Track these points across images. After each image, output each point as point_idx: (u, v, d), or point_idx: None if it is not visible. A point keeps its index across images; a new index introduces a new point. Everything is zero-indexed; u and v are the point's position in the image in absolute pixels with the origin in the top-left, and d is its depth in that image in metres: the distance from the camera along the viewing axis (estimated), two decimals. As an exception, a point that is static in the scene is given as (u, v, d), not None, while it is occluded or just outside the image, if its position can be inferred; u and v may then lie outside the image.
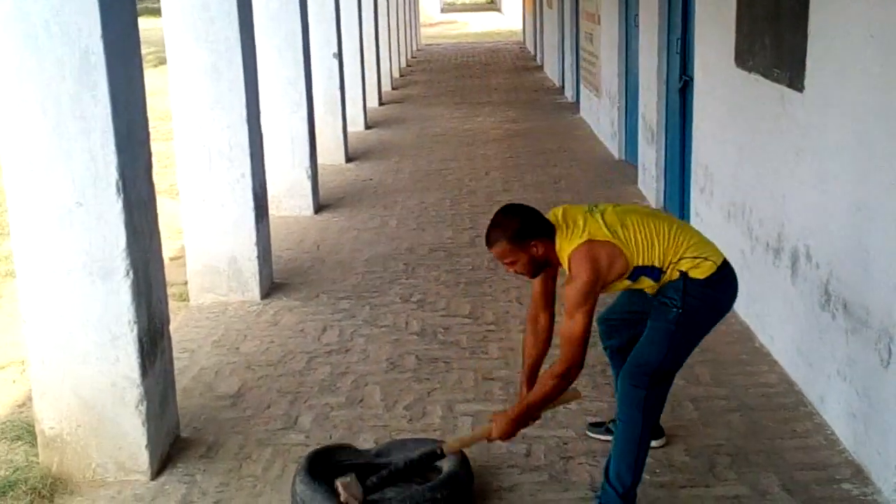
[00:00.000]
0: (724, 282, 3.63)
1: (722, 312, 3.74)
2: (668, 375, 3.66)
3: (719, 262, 3.61)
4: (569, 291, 3.49)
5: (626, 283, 3.61)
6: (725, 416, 4.55)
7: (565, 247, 3.52)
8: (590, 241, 3.49)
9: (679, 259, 3.54)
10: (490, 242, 3.61)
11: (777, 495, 3.85)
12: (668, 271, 3.55)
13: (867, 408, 3.99)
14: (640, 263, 3.53)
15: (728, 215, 6.02)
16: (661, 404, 3.70)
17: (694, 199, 6.98)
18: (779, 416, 4.53)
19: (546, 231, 3.57)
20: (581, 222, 3.55)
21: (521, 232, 3.55)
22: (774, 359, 5.15)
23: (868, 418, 3.98)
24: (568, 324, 3.48)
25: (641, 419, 3.56)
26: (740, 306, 5.77)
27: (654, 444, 4.21)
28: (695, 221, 6.91)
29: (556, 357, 3.60)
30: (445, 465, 3.80)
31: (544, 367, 3.83)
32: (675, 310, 3.54)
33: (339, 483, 3.57)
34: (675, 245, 3.56)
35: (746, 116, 5.74)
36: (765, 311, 5.35)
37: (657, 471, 4.06)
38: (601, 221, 3.54)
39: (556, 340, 3.72)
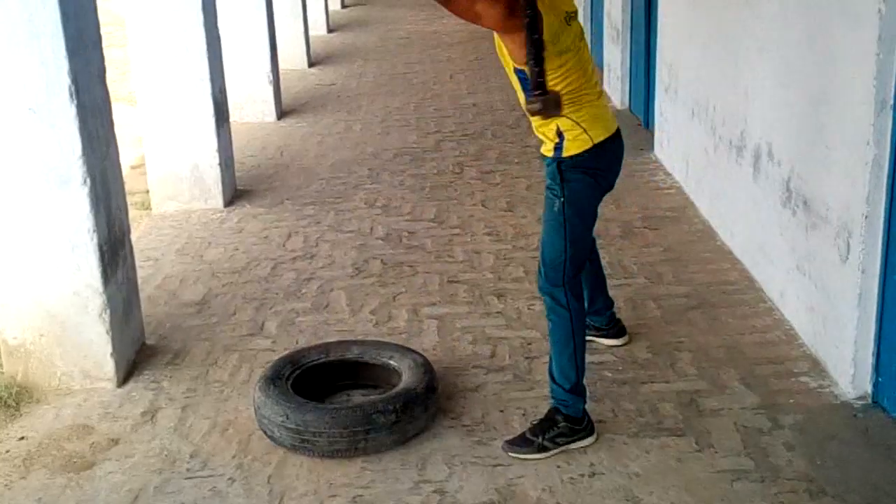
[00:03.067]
0: (601, 159, 3.55)
1: (607, 184, 3.66)
2: (579, 262, 3.65)
3: (598, 140, 3.50)
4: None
5: (511, 71, 3.48)
6: (686, 314, 4.61)
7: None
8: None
9: (564, 104, 3.41)
10: None
11: (736, 389, 3.93)
12: (546, 100, 3.38)
13: (825, 303, 4.05)
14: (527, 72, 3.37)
15: (692, 114, 6.00)
16: (580, 286, 3.70)
17: (659, 99, 6.94)
18: (739, 313, 4.59)
19: None
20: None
21: None
22: (736, 257, 5.20)
23: (826, 313, 4.04)
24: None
25: (568, 312, 3.58)
26: (703, 205, 5.82)
27: (616, 342, 4.29)
28: (659, 121, 6.91)
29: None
30: (404, 378, 3.79)
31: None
32: (557, 200, 3.53)
33: None
34: (571, 97, 3.43)
35: (711, 13, 5.68)
36: (727, 210, 5.39)
37: (619, 368, 4.12)
38: (562, 21, 3.37)
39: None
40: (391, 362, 3.95)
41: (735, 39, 5.18)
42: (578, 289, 3.67)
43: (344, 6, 15.93)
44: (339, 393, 4.00)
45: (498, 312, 4.69)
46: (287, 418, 3.54)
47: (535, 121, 3.54)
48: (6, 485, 3.46)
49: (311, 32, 11.65)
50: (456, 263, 5.33)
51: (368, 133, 8.25)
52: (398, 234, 5.82)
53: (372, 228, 5.93)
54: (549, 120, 3.48)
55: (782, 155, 4.51)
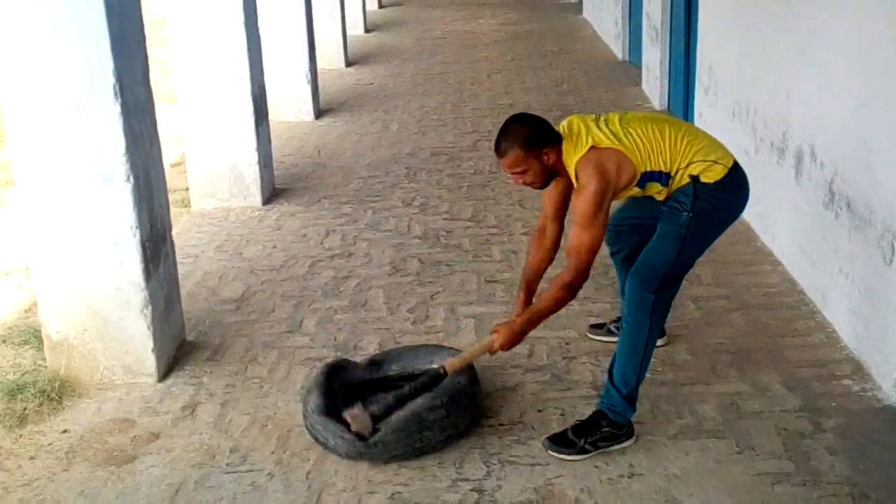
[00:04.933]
0: (735, 184, 3.56)
1: (734, 215, 3.68)
2: (678, 279, 3.63)
3: (730, 165, 3.53)
4: (578, 202, 3.43)
5: (636, 190, 3.55)
6: (727, 316, 4.57)
7: (572, 155, 3.44)
8: (595, 149, 3.42)
9: (688, 164, 3.47)
10: (501, 151, 3.48)
11: (777, 391, 3.89)
12: (678, 176, 3.49)
13: (868, 305, 4.01)
14: (648, 169, 3.47)
15: (732, 115, 5.96)
16: (669, 307, 3.69)
17: (698, 100, 6.90)
18: (780, 315, 4.56)
19: (556, 139, 3.50)
20: (585, 131, 3.47)
21: (533, 139, 3.45)
22: (777, 258, 5.16)
23: (869, 316, 4.00)
24: (578, 234, 3.43)
25: (649, 322, 3.54)
26: (743, 207, 5.77)
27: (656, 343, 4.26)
28: (699, 122, 6.85)
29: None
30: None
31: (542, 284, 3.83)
32: (685, 213, 3.49)
33: (347, 415, 3.52)
34: (684, 149, 3.48)
35: (751, 14, 5.64)
36: (767, 211, 5.34)
37: (659, 369, 4.10)
38: (606, 130, 3.47)
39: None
40: (433, 366, 3.91)
41: (776, 40, 5.14)
42: (668, 303, 3.64)
43: (381, 6, 15.98)
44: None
45: (536, 312, 4.68)
46: (347, 431, 3.50)
47: (667, 192, 3.55)
48: (49, 477, 3.50)
49: (348, 32, 11.69)
50: (493, 263, 5.33)
51: (405, 132, 8.26)
52: (435, 233, 5.83)
53: (409, 227, 5.94)
54: (679, 176, 3.48)
55: (825, 157, 4.46)
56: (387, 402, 3.61)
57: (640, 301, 3.56)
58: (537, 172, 3.51)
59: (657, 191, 3.56)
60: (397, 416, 3.53)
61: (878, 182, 3.90)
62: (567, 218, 3.71)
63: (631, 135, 3.47)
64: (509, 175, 3.57)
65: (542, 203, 3.84)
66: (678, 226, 3.52)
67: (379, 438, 3.47)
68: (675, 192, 3.54)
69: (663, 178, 3.50)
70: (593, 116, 3.59)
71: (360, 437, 3.47)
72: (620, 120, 3.54)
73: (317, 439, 3.59)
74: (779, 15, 5.09)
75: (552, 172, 3.54)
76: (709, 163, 3.49)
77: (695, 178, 3.48)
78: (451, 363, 3.69)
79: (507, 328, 3.62)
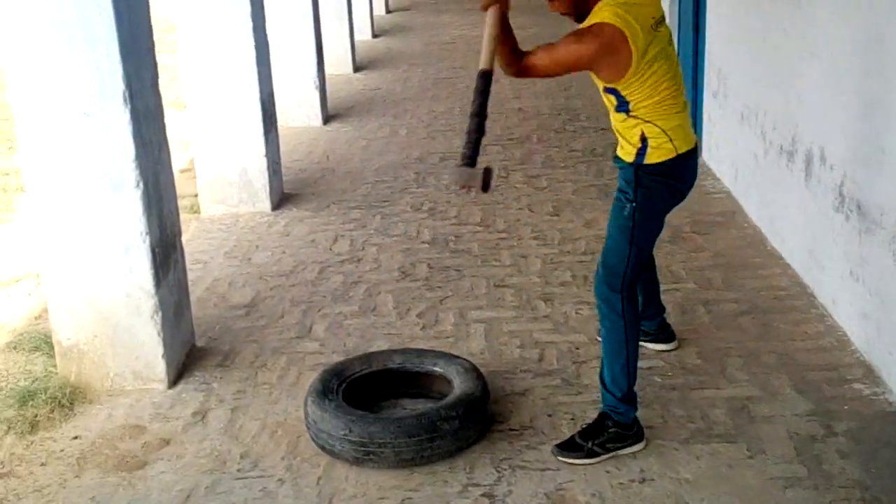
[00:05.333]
0: (680, 169, 3.51)
1: (680, 196, 3.63)
2: (638, 270, 3.61)
3: (681, 151, 3.47)
4: (562, 41, 3.36)
5: (601, 88, 3.48)
6: (737, 319, 4.56)
7: (600, 14, 3.32)
8: (620, 31, 3.25)
9: (649, 121, 3.40)
10: None
11: (788, 395, 3.88)
12: (633, 122, 3.41)
13: (879, 308, 3.99)
14: (620, 90, 3.38)
15: (742, 118, 5.95)
16: (636, 297, 3.68)
17: (707, 104, 6.89)
18: (790, 319, 4.54)
19: None
20: (637, 10, 3.31)
21: None
22: (786, 262, 5.14)
23: (880, 319, 3.99)
24: (538, 55, 3.42)
25: (623, 321, 3.54)
26: (752, 210, 5.76)
27: (665, 347, 4.26)
28: (707, 126, 6.85)
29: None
30: (457, 384, 3.76)
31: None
32: (629, 204, 3.48)
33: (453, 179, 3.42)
34: (659, 106, 3.39)
35: (760, 16, 5.63)
36: (777, 215, 5.33)
37: (669, 373, 4.09)
38: (646, 30, 3.31)
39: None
40: (436, 369, 3.94)
41: (785, 43, 5.13)
42: (634, 297, 3.64)
43: (389, 11, 15.99)
44: (381, 404, 3.95)
45: (545, 317, 4.68)
46: (350, 431, 3.50)
47: (617, 121, 3.50)
48: (60, 483, 3.51)
49: (356, 37, 11.71)
50: (503, 267, 5.33)
51: (414, 137, 8.27)
52: (444, 237, 5.82)
53: (418, 232, 5.94)
54: (635, 123, 3.43)
55: (835, 159, 4.45)
56: (469, 139, 3.44)
57: (608, 303, 3.56)
58: (568, 1, 3.45)
59: (610, 102, 3.47)
60: (410, 422, 3.52)
61: (888, 185, 3.89)
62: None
63: (651, 63, 3.33)
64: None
65: None
66: (625, 219, 3.50)
67: (389, 441, 3.46)
68: (620, 173, 3.53)
69: (621, 102, 3.41)
70: (654, 19, 3.40)
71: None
72: (664, 44, 3.39)
73: (323, 448, 3.59)
74: (788, 17, 5.08)
75: (583, 6, 3.42)
76: (665, 136, 3.42)
77: (640, 152, 3.43)
78: (483, 59, 3.47)
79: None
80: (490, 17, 3.46)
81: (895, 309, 3.84)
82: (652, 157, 3.46)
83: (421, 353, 4.10)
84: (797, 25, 4.94)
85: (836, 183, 4.41)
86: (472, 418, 3.60)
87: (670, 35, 3.50)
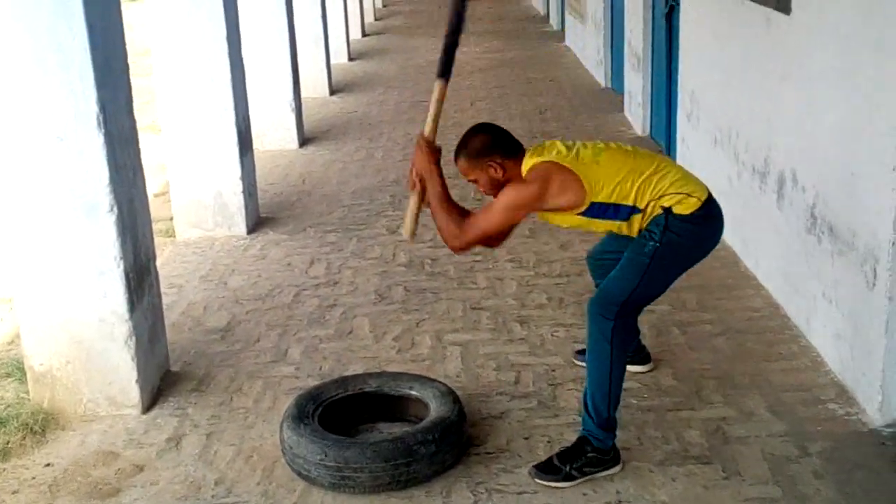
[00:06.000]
0: (708, 218, 3.54)
1: (705, 249, 3.65)
2: (637, 308, 3.61)
3: (704, 199, 3.50)
4: (507, 190, 3.49)
5: (580, 219, 3.52)
6: (711, 341, 4.59)
7: (528, 164, 3.51)
8: (551, 163, 3.45)
9: (660, 196, 3.44)
10: (455, 159, 3.63)
11: (763, 416, 3.90)
12: (650, 208, 3.45)
13: (852, 329, 4.02)
14: (603, 201, 3.44)
15: (714, 141, 6.00)
16: (630, 333, 3.67)
17: (680, 126, 6.95)
18: (764, 339, 4.57)
19: (511, 151, 3.55)
20: (553, 149, 3.52)
21: (482, 151, 3.55)
22: (760, 283, 5.18)
23: (853, 340, 4.02)
24: (483, 215, 3.52)
25: (610, 350, 3.50)
26: (727, 231, 5.76)
27: (641, 369, 4.26)
28: (681, 148, 6.90)
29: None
30: (433, 408, 3.74)
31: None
32: (651, 243, 3.46)
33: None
34: (657, 182, 3.44)
35: (733, 41, 5.69)
36: (751, 236, 5.37)
37: (645, 395, 4.10)
38: (573, 152, 3.49)
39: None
40: (412, 392, 3.92)
41: (758, 67, 5.18)
42: (628, 328, 3.61)
43: (364, 35, 16.04)
44: (358, 428, 3.93)
45: (521, 339, 4.69)
46: (325, 456, 3.47)
47: (641, 223, 3.50)
48: (32, 511, 3.47)
49: (332, 61, 11.73)
50: (478, 290, 5.33)
51: (390, 160, 8.28)
52: (420, 260, 5.83)
53: (394, 255, 5.94)
54: (651, 209, 3.45)
55: (807, 181, 4.49)
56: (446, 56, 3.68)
57: (598, 327, 3.53)
58: (487, 183, 3.59)
59: (618, 225, 3.52)
60: (386, 447, 3.49)
61: (860, 207, 3.93)
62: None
63: (598, 163, 3.46)
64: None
65: None
66: (642, 255, 3.49)
67: (364, 465, 3.44)
68: (648, 222, 3.50)
69: (623, 211, 3.46)
70: (571, 142, 3.60)
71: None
72: (595, 148, 3.54)
73: (299, 473, 3.56)
74: (760, 40, 5.14)
75: (502, 183, 3.56)
76: (682, 195, 3.46)
77: (667, 210, 3.44)
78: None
79: (425, 151, 3.72)
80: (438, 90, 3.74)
81: (868, 330, 3.87)
82: (679, 210, 3.46)
83: (397, 376, 4.08)
84: (769, 49, 4.99)
85: (809, 205, 4.45)
86: (448, 442, 3.59)
87: (598, 143, 3.62)
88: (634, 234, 3.53)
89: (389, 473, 3.46)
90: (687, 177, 3.58)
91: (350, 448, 3.50)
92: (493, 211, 3.52)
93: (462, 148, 3.61)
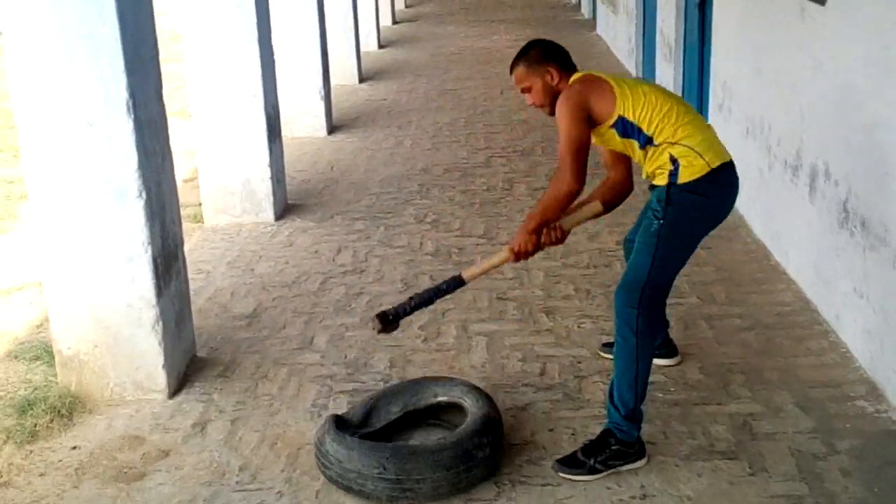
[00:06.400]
0: (716, 186, 3.49)
1: (716, 218, 3.61)
2: (659, 290, 3.56)
3: (714, 165, 3.46)
4: (559, 107, 3.57)
5: (617, 138, 3.58)
6: (740, 335, 4.54)
7: (574, 78, 3.65)
8: (580, 79, 3.62)
9: (675, 142, 3.45)
10: (511, 67, 3.74)
11: (791, 412, 3.86)
12: (660, 150, 3.47)
13: (883, 325, 3.97)
14: (629, 118, 3.50)
15: (746, 132, 5.94)
16: (657, 321, 3.62)
17: (712, 117, 6.88)
18: (793, 335, 4.52)
19: (566, 65, 3.69)
20: (598, 72, 3.67)
21: (539, 56, 3.68)
22: (790, 277, 5.13)
23: (884, 336, 3.97)
24: (562, 143, 3.53)
25: (635, 339, 3.48)
26: (756, 224, 5.75)
27: (668, 362, 4.23)
28: (712, 139, 6.82)
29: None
30: (471, 408, 3.61)
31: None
32: (656, 222, 3.46)
33: (373, 320, 3.76)
34: (680, 127, 3.46)
35: (766, 31, 5.63)
36: (781, 230, 5.31)
37: (671, 389, 4.07)
38: (616, 78, 3.63)
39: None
40: (453, 399, 3.77)
41: (791, 58, 5.12)
42: (653, 318, 3.56)
43: (395, 22, 16.02)
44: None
45: (547, 330, 4.67)
46: (384, 469, 3.33)
47: (647, 159, 3.57)
48: (58, 494, 3.49)
49: (362, 48, 11.72)
50: (505, 280, 5.31)
51: (418, 148, 8.27)
52: (447, 249, 5.81)
53: (421, 244, 5.93)
54: (662, 149, 3.49)
55: (839, 175, 4.44)
56: (404, 305, 3.77)
57: (623, 317, 3.52)
58: (540, 91, 3.68)
59: (637, 153, 3.59)
60: (447, 454, 3.36)
61: (893, 201, 3.87)
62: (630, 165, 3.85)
63: (633, 86, 3.57)
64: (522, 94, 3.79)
65: (602, 161, 3.92)
66: (650, 235, 3.49)
67: (428, 476, 3.32)
68: (652, 194, 3.54)
69: (642, 136, 3.51)
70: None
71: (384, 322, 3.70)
72: (642, 80, 3.59)
73: (349, 489, 3.40)
74: (793, 31, 5.07)
75: (553, 93, 3.66)
76: (695, 154, 3.45)
77: (673, 172, 3.45)
78: (469, 272, 3.81)
79: (518, 232, 3.71)
80: (500, 257, 3.78)
81: (899, 326, 3.82)
82: (684, 176, 3.46)
83: (418, 382, 3.92)
84: (803, 39, 4.93)
85: (841, 199, 4.39)
86: (500, 441, 3.54)
87: (647, 80, 3.69)
88: (645, 174, 3.62)
89: (451, 482, 3.36)
90: (709, 140, 3.54)
91: (410, 458, 3.36)
92: (563, 133, 3.54)
93: (522, 56, 3.72)
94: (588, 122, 3.55)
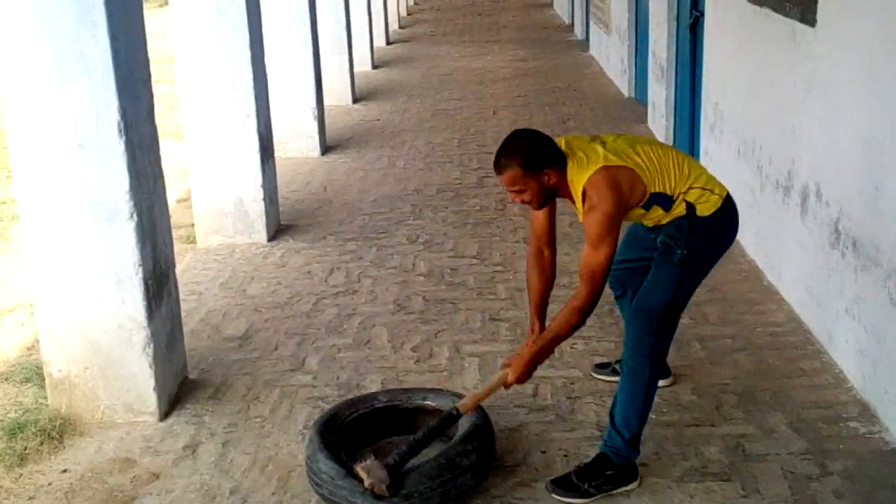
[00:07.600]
0: (728, 217, 3.57)
1: (726, 247, 3.67)
2: (675, 318, 3.59)
3: (724, 196, 3.54)
4: (590, 221, 3.32)
5: (640, 211, 3.49)
6: (732, 356, 4.54)
7: (578, 176, 3.36)
8: (606, 168, 3.33)
9: (688, 189, 3.45)
10: (500, 168, 3.38)
11: (784, 433, 3.85)
12: (677, 202, 3.46)
13: (875, 346, 3.97)
14: (655, 190, 3.43)
15: (738, 153, 5.95)
16: (667, 347, 3.65)
17: (703, 137, 6.90)
18: (786, 355, 4.52)
19: (559, 159, 3.39)
20: (590, 151, 3.40)
21: (534, 158, 3.35)
22: (782, 297, 5.13)
23: (876, 356, 3.96)
24: (591, 254, 3.33)
25: (649, 366, 3.49)
26: (749, 245, 5.75)
27: (661, 383, 4.20)
28: (704, 160, 6.85)
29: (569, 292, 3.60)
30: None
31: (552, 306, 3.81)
32: (679, 251, 3.46)
33: (359, 469, 3.30)
34: (687, 174, 3.47)
35: (757, 52, 5.65)
36: (773, 250, 5.32)
37: (664, 410, 4.06)
38: (611, 148, 3.43)
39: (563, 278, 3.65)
40: (427, 403, 3.83)
41: (782, 79, 5.14)
42: (667, 344, 3.59)
43: (389, 43, 16.07)
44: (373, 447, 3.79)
45: (540, 351, 4.65)
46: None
47: (667, 218, 3.52)
48: (48, 517, 3.47)
49: (356, 68, 11.75)
50: (498, 301, 5.31)
51: (412, 169, 8.28)
52: (440, 270, 5.81)
53: (414, 265, 5.93)
54: (678, 202, 3.47)
55: (831, 195, 4.45)
56: (401, 450, 3.41)
57: (638, 344, 3.52)
58: (535, 192, 3.41)
59: (659, 214, 3.51)
60: (431, 465, 3.36)
61: (884, 221, 3.88)
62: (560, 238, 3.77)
63: (638, 153, 3.45)
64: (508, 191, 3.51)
65: (532, 225, 3.76)
66: (673, 265, 3.48)
67: (415, 490, 3.30)
68: (668, 225, 3.51)
69: (666, 201, 3.47)
70: (589, 137, 3.56)
71: (376, 495, 3.25)
72: (622, 139, 3.52)
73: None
74: (784, 52, 5.09)
75: (551, 193, 3.47)
76: (706, 192, 3.49)
77: (690, 210, 3.46)
78: (464, 404, 3.56)
79: (519, 360, 3.53)
80: (494, 384, 3.60)
81: (892, 347, 3.82)
82: (702, 211, 3.49)
83: (409, 391, 3.98)
84: (794, 60, 4.95)
85: (832, 219, 4.40)
86: (486, 448, 3.53)
87: (614, 134, 3.61)
88: (654, 224, 3.56)
89: (440, 492, 3.33)
90: (709, 175, 3.61)
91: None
92: (597, 250, 3.34)
93: (511, 158, 3.36)
94: (618, 231, 3.38)
